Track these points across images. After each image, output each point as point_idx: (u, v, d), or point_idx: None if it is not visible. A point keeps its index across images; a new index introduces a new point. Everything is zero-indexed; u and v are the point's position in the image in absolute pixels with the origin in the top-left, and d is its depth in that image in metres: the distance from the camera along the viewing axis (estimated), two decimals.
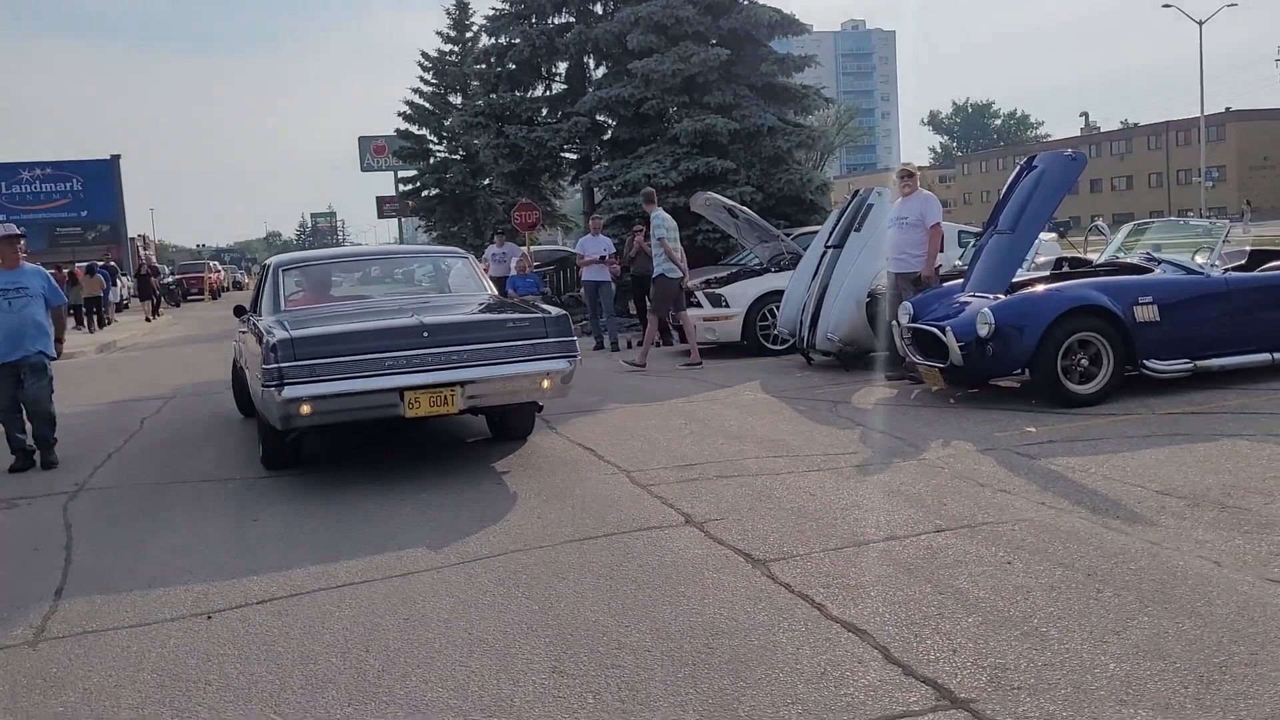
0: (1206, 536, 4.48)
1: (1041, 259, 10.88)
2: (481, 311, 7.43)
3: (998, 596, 3.94)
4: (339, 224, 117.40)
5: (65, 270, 26.56)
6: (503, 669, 3.57)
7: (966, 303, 8.12)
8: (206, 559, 5.16)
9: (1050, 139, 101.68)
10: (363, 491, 6.37)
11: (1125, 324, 7.52)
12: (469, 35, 34.13)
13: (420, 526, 5.50)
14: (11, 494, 6.95)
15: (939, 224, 9.05)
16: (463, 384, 6.38)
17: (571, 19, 22.11)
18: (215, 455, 7.98)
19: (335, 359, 6.21)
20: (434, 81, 35.56)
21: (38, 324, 7.69)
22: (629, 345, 14.26)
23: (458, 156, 34.11)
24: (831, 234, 10.76)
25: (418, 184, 36.57)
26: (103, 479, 7.33)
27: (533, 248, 21.11)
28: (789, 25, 20.19)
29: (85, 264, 29.08)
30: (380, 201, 49.61)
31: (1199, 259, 8.19)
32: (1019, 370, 7.77)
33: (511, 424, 7.64)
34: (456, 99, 34.87)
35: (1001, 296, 7.89)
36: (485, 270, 13.60)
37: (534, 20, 22.33)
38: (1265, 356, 7.87)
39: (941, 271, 9.29)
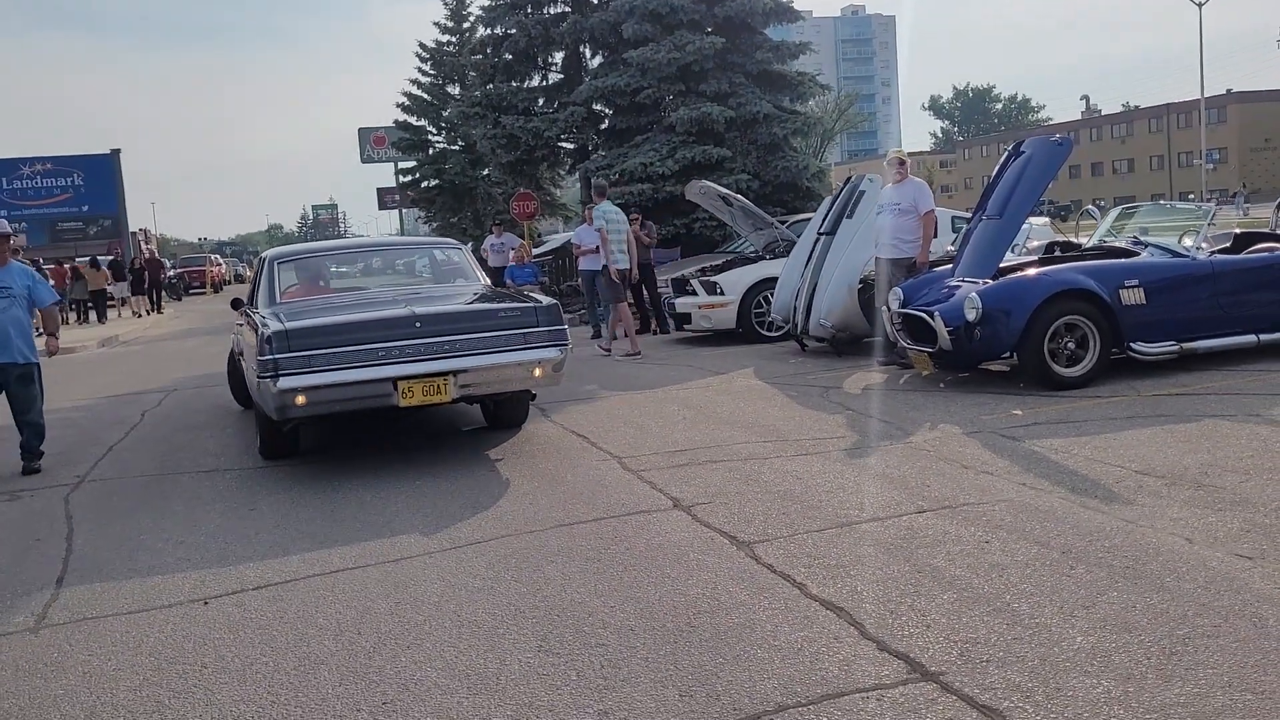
0: (1181, 514, 4.57)
1: (1034, 243, 10.97)
2: (473, 301, 7.51)
3: (973, 574, 4.04)
4: (340, 216, 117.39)
5: (67, 265, 26.69)
6: (490, 648, 3.68)
7: (956, 288, 8.21)
8: (204, 548, 5.26)
9: (1051, 123, 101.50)
10: (358, 481, 6.47)
11: (1111, 307, 7.60)
12: (466, 26, 34.18)
13: (414, 514, 5.60)
14: (14, 486, 7.07)
15: (932, 211, 9.12)
16: (455, 373, 6.47)
17: (567, 9, 22.17)
18: (214, 447, 8.09)
19: (329, 350, 6.32)
20: (432, 72, 35.62)
21: (21, 327, 7.39)
22: (624, 335, 14.34)
23: (456, 147, 34.18)
24: (824, 221, 10.84)
25: (417, 175, 36.63)
26: (104, 471, 7.45)
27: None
28: (784, 13, 20.24)
29: (86, 258, 29.12)
30: (381, 193, 49.66)
31: (1186, 242, 8.27)
32: (1007, 354, 7.86)
33: (506, 413, 7.73)
34: (455, 90, 34.94)
35: (989, 281, 7.98)
36: (485, 260, 13.73)
37: (530, 10, 22.39)
38: (1250, 338, 7.96)
39: (931, 257, 9.36)
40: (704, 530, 4.88)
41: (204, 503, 6.27)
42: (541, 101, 22.89)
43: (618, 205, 18.69)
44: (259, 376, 6.30)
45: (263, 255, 8.51)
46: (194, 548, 5.27)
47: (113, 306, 29.06)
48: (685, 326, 13.09)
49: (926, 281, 8.65)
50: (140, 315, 28.43)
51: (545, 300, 7.10)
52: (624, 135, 20.58)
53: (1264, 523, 4.36)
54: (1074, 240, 10.25)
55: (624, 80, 19.58)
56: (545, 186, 26.65)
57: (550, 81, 23.48)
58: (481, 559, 4.71)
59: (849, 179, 11.04)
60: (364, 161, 47.65)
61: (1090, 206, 12.18)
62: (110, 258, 30.99)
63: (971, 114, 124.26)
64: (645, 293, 14.52)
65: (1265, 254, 8.38)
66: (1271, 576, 3.78)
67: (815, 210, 13.63)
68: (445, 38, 35.45)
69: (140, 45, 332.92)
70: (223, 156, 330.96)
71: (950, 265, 8.83)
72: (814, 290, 10.45)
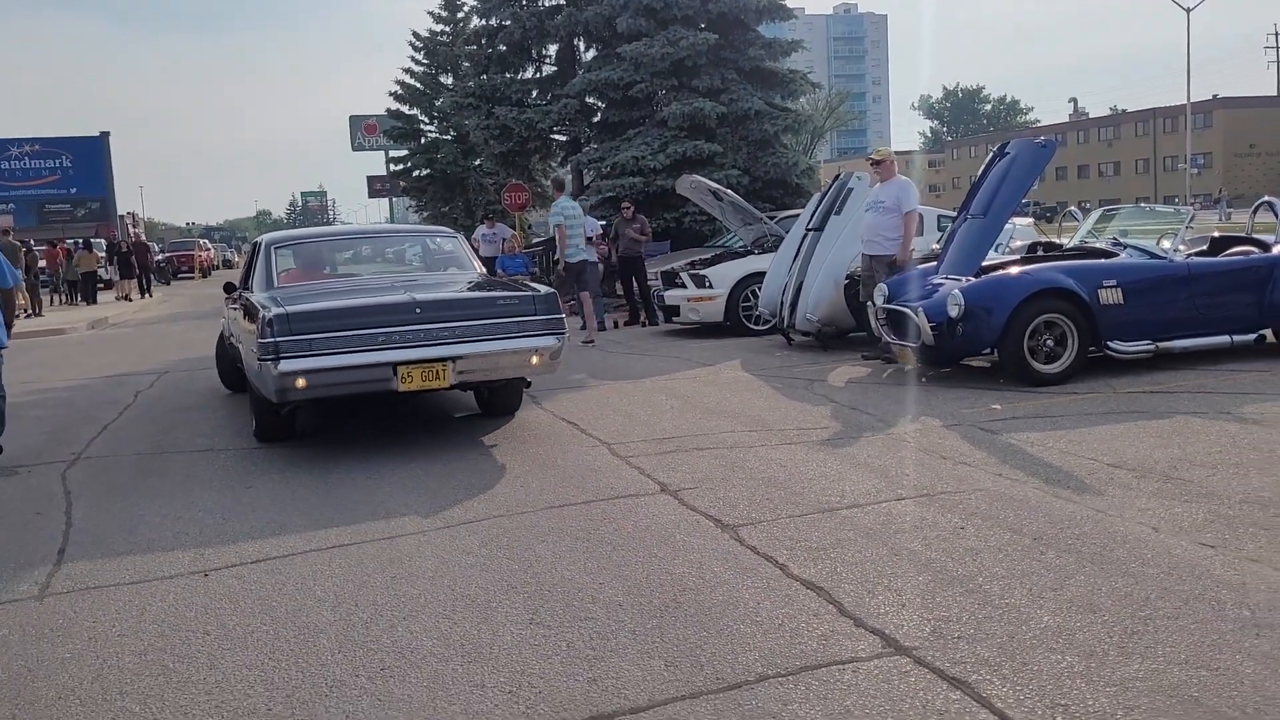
0: (1149, 505, 4.75)
1: (1017, 243, 11.17)
2: (472, 289, 7.60)
3: (948, 558, 4.21)
4: (330, 203, 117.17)
5: (58, 246, 26.67)
6: (483, 620, 3.83)
7: (939, 285, 8.39)
8: (202, 523, 5.39)
9: (1039, 124, 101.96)
10: (353, 463, 6.61)
11: (1090, 306, 7.79)
12: (460, 16, 34.19)
13: (408, 494, 5.74)
14: (11, 462, 7.17)
15: (915, 210, 9.29)
16: (454, 359, 6.58)
17: (562, 1, 22.25)
18: (208, 427, 8.21)
19: (330, 334, 6.41)
20: (425, 62, 35.62)
21: None
22: (615, 326, 14.51)
23: (449, 137, 34.20)
24: (813, 217, 11.01)
25: (408, 164, 36.64)
26: (99, 449, 7.56)
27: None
28: (776, 10, 20.39)
29: (80, 240, 29.05)
30: (371, 181, 49.61)
31: (1164, 244, 8.46)
32: (988, 350, 8.05)
33: (500, 400, 7.84)
34: (448, 79, 34.95)
35: (972, 279, 8.16)
36: (477, 250, 13.86)
37: (524, 2, 22.49)
38: (1224, 339, 8.17)
39: (915, 255, 9.54)
40: (690, 513, 5.04)
41: (200, 481, 6.39)
42: (535, 93, 23.00)
43: (608, 197, 18.94)
44: (259, 359, 6.37)
45: (258, 240, 8.55)
46: (192, 523, 5.40)
47: (104, 289, 29.03)
48: (674, 319, 13.25)
49: (911, 278, 8.82)
50: (129, 299, 28.13)
51: (543, 290, 7.20)
52: (616, 129, 20.71)
53: (1227, 514, 4.55)
54: (1056, 241, 10.44)
55: (617, 74, 19.70)
56: (537, 178, 26.73)
57: (544, 73, 23.59)
58: (475, 537, 4.85)
59: (838, 176, 11.22)
60: (355, 149, 47.70)
61: (1073, 208, 12.39)
62: (101, 241, 30.89)
63: (961, 114, 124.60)
64: (635, 285, 14.68)
65: (1240, 257, 8.59)
66: (1231, 564, 3.96)
67: (804, 206, 13.81)
68: (439, 27, 35.45)
69: (132, 29, 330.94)
70: (212, 142, 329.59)
71: (935, 263, 9.01)
72: (801, 285, 10.62)
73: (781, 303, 10.92)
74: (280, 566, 4.59)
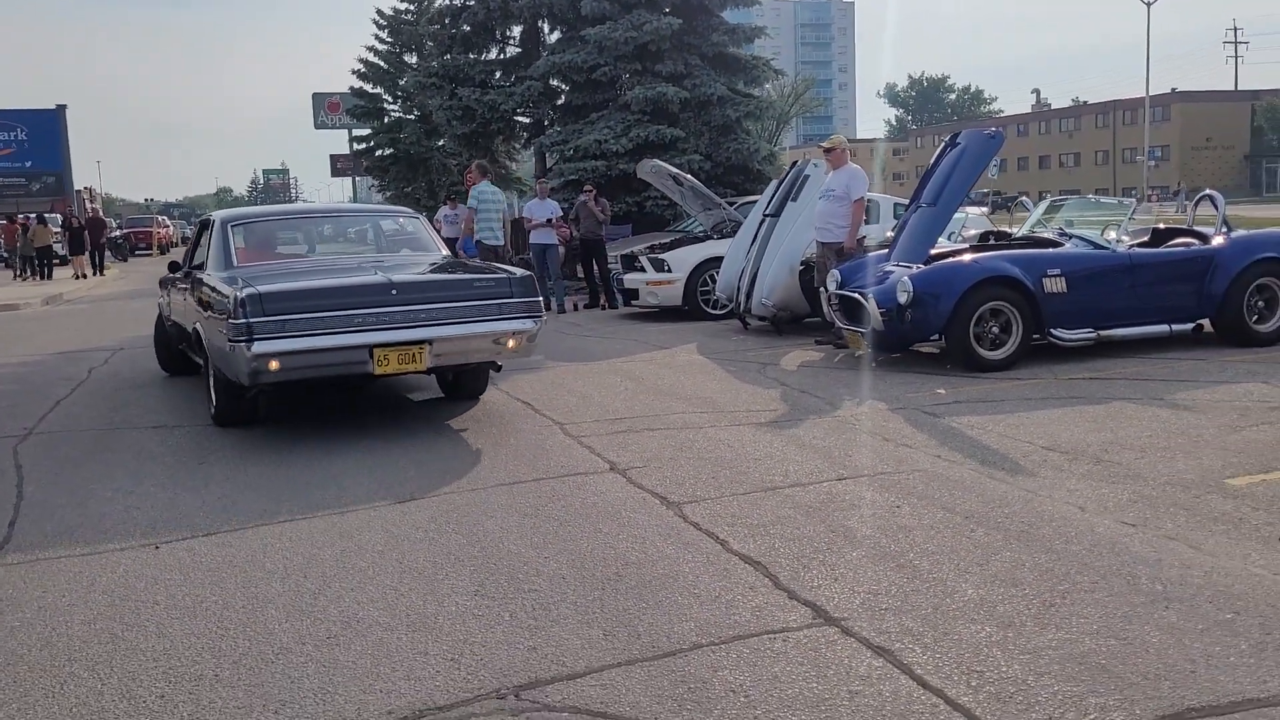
0: (1078, 486, 4.93)
1: (970, 232, 11.37)
2: (448, 271, 7.43)
3: (882, 535, 4.36)
4: (292, 181, 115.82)
5: (16, 221, 26.28)
6: (429, 591, 3.93)
7: (890, 272, 8.55)
8: (154, 497, 5.44)
9: (1002, 115, 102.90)
10: (307, 441, 6.66)
11: (1034, 294, 7.99)
12: None
13: (362, 472, 5.81)
14: None
15: (863, 198, 9.44)
16: (430, 342, 6.46)
17: None
18: (162, 405, 8.21)
19: (304, 315, 6.24)
20: (389, 40, 35.26)
21: None
22: (575, 308, 14.61)
23: (412, 117, 33.92)
24: (770, 203, 11.14)
25: (372, 143, 36.32)
26: (51, 424, 7.55)
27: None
28: None
29: (34, 215, 28.60)
30: (334, 160, 49.17)
31: (1109, 234, 8.67)
32: (935, 336, 8.23)
33: (467, 383, 7.73)
34: (412, 59, 34.64)
35: (922, 266, 8.33)
36: (439, 230, 13.87)
37: None
38: (1164, 328, 8.41)
39: (867, 243, 9.70)
40: (637, 491, 5.16)
41: (153, 456, 6.42)
42: (498, 75, 22.91)
43: (570, 180, 18.98)
44: (230, 340, 6.18)
45: (210, 217, 8.23)
46: (144, 497, 5.44)
47: (60, 265, 28.61)
48: (633, 302, 13.35)
49: (864, 265, 8.98)
50: (83, 276, 27.62)
51: (519, 272, 7.10)
52: (579, 112, 20.72)
53: (1150, 494, 4.74)
54: (1007, 230, 10.65)
55: (581, 57, 19.69)
56: (501, 160, 26.66)
57: (507, 55, 23.51)
58: (424, 512, 4.95)
59: (794, 163, 11.35)
60: (317, 127, 47.16)
61: (1024, 198, 12.62)
62: (57, 215, 30.42)
63: (925, 103, 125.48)
64: (595, 268, 14.77)
65: (1181, 249, 8.82)
66: (1150, 541, 4.15)
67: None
68: (404, 5, 35.06)
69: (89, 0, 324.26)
70: (172, 117, 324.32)
71: (888, 250, 9.17)
72: (757, 271, 10.76)
73: (739, 288, 11.06)
74: (231, 540, 4.66)
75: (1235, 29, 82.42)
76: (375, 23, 35.34)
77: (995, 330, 7.98)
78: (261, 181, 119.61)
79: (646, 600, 3.76)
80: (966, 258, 8.42)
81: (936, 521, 4.50)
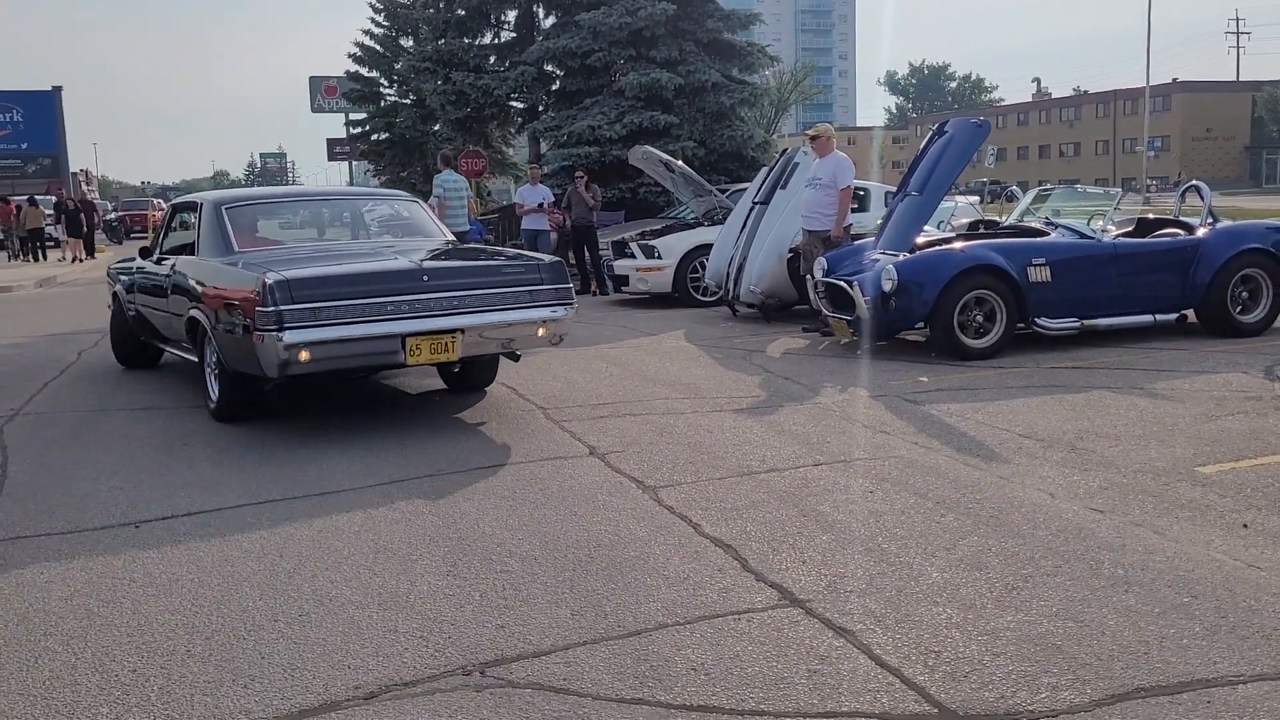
0: (1050, 473, 4.99)
1: (960, 220, 11.41)
2: (476, 257, 7.20)
3: (853, 519, 4.41)
4: (289, 165, 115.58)
5: (10, 202, 26.26)
6: (403, 571, 3.98)
7: (876, 260, 8.58)
8: (137, 478, 5.48)
9: (1003, 103, 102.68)
10: (289, 424, 6.70)
11: (1019, 283, 8.03)
12: None
13: (342, 454, 5.86)
14: None
15: (849, 187, 9.46)
16: (463, 330, 6.18)
17: None
18: (150, 388, 8.25)
19: (335, 303, 5.90)
20: (385, 24, 35.13)
21: None
22: None
23: (408, 101, 33.86)
24: (759, 191, 11.17)
25: (367, 127, 36.25)
26: (39, 405, 7.59)
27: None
28: None
29: (25, 196, 28.56)
30: (331, 144, 49.00)
31: (1095, 224, 8.71)
32: (920, 324, 8.27)
33: (476, 373, 7.42)
34: (408, 43, 34.53)
35: (908, 254, 8.37)
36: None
37: None
38: (1147, 318, 8.45)
39: (854, 231, 9.73)
40: (614, 475, 5.21)
41: (139, 438, 6.46)
42: (493, 59, 22.88)
43: (564, 166, 18.98)
44: (258, 329, 5.79)
45: (197, 200, 7.71)
46: (127, 478, 5.49)
47: (53, 247, 28.54)
48: (624, 289, 13.38)
49: (851, 253, 9.02)
50: (78, 260, 27.41)
51: (548, 258, 6.84)
52: (573, 97, 20.70)
53: (1120, 482, 4.79)
54: (996, 219, 10.69)
55: (575, 42, 19.67)
56: (495, 145, 26.64)
57: (502, 40, 23.46)
58: (402, 495, 5.00)
59: (784, 151, 11.37)
60: (314, 111, 46.95)
61: (1014, 188, 12.67)
62: (50, 198, 30.37)
63: (926, 91, 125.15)
64: (587, 254, 14.79)
65: (1166, 239, 8.86)
66: (1116, 527, 4.20)
67: None
68: None
69: None
70: (169, 100, 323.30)
71: (874, 238, 9.21)
72: (746, 258, 10.79)
73: (727, 275, 11.10)
74: (211, 520, 4.71)
75: (1237, 19, 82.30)
76: (371, 6, 35.20)
77: (980, 319, 8.03)
78: (259, 165, 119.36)
79: (616, 581, 3.81)
80: (951, 246, 8.46)
81: (908, 507, 4.55)
